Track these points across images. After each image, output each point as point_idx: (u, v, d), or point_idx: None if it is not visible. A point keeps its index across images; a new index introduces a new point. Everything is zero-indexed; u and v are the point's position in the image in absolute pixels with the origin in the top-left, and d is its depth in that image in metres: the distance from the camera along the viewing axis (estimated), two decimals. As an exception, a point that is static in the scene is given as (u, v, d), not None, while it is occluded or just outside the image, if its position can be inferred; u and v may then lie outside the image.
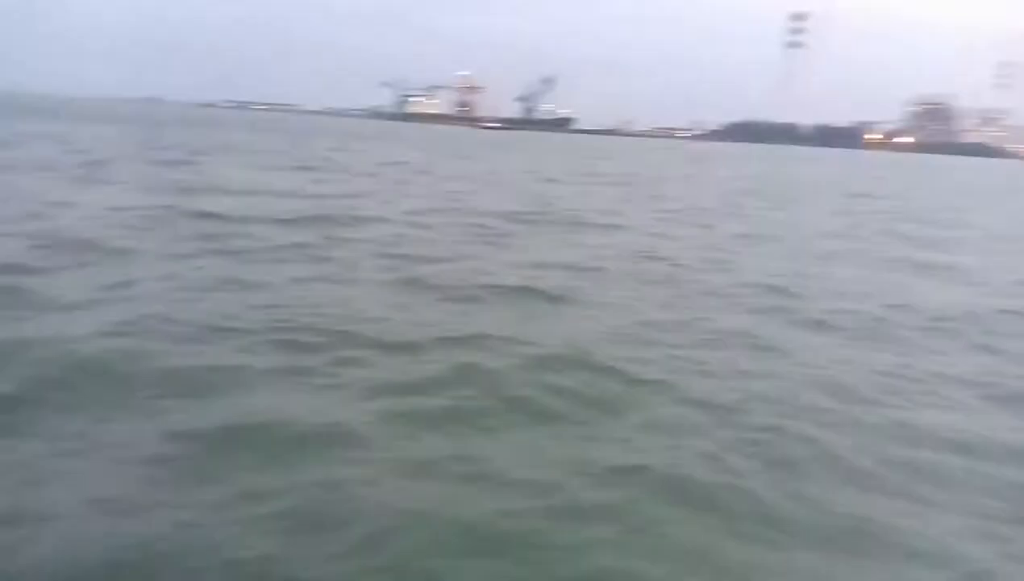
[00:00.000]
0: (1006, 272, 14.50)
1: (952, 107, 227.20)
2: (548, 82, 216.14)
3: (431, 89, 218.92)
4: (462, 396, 6.08)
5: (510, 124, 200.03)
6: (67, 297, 8.06)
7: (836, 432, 5.82)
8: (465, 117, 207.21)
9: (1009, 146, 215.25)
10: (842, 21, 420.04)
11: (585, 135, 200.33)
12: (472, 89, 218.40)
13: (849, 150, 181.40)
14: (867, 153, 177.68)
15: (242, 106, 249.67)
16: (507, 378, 6.54)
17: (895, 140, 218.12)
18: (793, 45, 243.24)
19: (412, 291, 9.70)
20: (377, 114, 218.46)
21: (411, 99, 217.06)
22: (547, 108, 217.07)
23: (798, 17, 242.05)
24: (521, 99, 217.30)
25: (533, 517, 4.37)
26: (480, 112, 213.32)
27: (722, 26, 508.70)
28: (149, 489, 4.42)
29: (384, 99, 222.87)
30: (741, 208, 24.83)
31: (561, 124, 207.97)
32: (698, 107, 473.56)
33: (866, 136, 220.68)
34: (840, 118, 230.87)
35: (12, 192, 16.21)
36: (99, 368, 6.02)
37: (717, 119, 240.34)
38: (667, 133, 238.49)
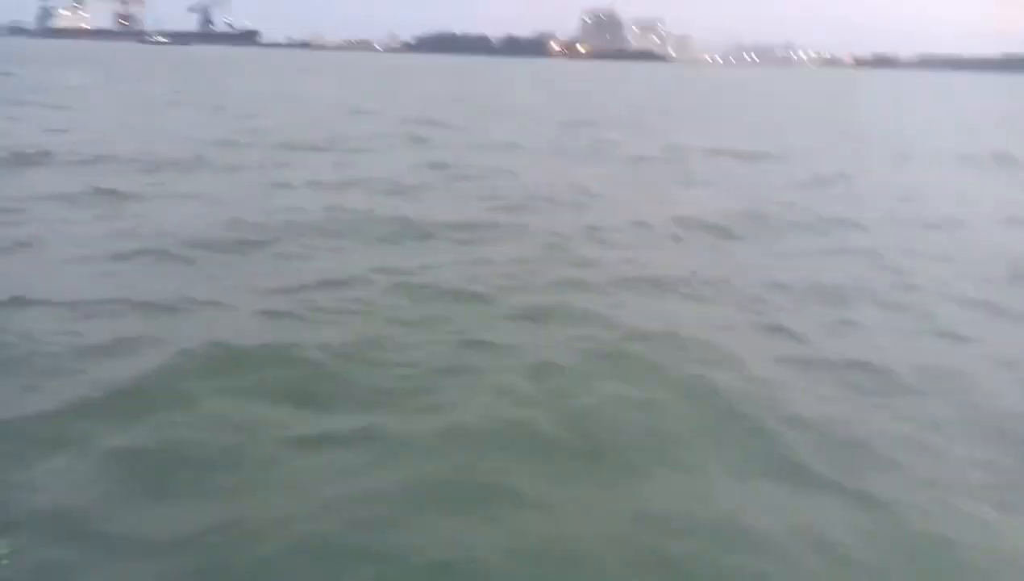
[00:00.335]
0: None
1: (617, 16, 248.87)
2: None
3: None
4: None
5: (183, 39, 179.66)
6: None
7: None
8: (128, 32, 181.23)
9: (668, 51, 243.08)
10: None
11: (274, 49, 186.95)
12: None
13: (535, 59, 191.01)
14: (547, 62, 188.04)
15: None
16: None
17: (576, 49, 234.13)
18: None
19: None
20: (17, 31, 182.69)
21: (58, 11, 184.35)
22: (227, 20, 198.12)
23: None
24: (194, 10, 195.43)
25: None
26: (146, 25, 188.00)
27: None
28: None
29: (26, 13, 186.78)
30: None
31: (245, 38, 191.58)
32: (395, 18, 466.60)
33: (551, 46, 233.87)
34: (526, 30, 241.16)
35: None
36: None
37: (413, 31, 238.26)
38: (363, 46, 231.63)
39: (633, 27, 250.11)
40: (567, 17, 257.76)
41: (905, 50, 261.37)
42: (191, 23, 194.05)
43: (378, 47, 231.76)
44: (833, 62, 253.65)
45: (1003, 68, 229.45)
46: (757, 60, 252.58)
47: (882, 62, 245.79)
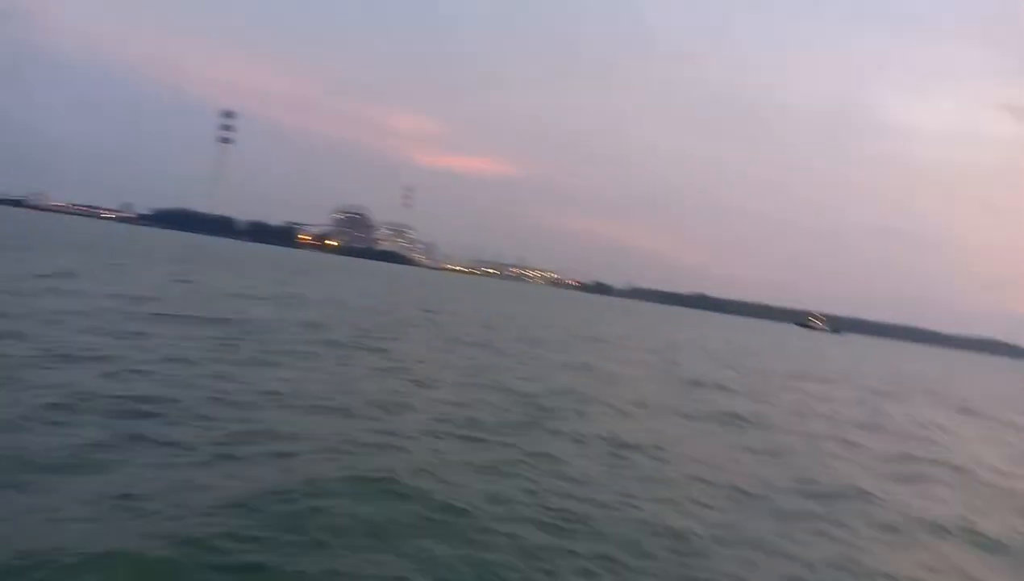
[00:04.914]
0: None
1: (369, 217, 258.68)
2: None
3: None
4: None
5: None
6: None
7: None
8: None
9: (413, 255, 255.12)
10: (270, 125, 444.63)
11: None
12: None
13: (283, 248, 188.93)
14: (297, 251, 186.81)
15: None
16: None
17: (325, 242, 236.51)
18: (224, 140, 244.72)
19: None
20: None
21: None
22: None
23: (227, 114, 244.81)
24: None
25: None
26: None
27: (157, 110, 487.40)
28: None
29: None
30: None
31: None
32: (129, 188, 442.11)
33: (299, 236, 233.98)
34: (274, 217, 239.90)
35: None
36: None
37: (149, 203, 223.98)
38: (89, 211, 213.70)
39: (384, 229, 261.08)
40: (319, 211, 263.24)
41: (620, 281, 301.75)
42: None
43: (107, 214, 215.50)
44: (558, 283, 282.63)
45: (692, 304, 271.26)
46: (495, 273, 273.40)
47: (600, 289, 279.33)
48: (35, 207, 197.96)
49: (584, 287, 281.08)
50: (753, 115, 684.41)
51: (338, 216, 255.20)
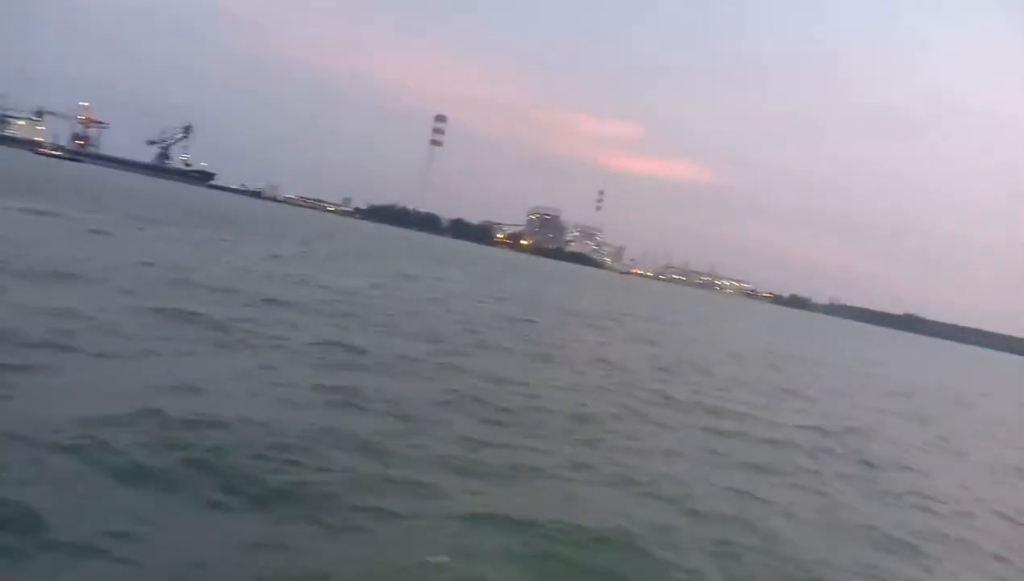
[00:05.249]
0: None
1: (561, 219, 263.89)
2: (188, 130, 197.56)
3: (39, 113, 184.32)
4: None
5: (139, 169, 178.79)
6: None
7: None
8: (82, 152, 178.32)
9: (604, 259, 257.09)
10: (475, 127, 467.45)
11: (227, 193, 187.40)
12: (93, 122, 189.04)
13: (480, 245, 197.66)
14: (492, 249, 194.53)
15: None
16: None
17: (520, 242, 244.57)
18: (434, 143, 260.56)
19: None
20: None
21: (10, 121, 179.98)
22: (185, 158, 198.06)
23: (439, 118, 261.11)
24: (155, 143, 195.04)
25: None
26: (103, 149, 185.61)
27: (379, 111, 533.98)
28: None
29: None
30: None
31: (201, 178, 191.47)
32: (348, 183, 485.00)
33: (495, 235, 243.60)
34: (473, 215, 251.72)
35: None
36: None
37: (366, 199, 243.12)
38: (315, 204, 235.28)
39: (574, 231, 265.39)
40: (514, 211, 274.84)
41: (820, 295, 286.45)
42: (148, 155, 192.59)
43: (330, 208, 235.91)
44: (751, 294, 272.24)
45: (899, 325, 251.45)
46: (683, 279, 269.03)
47: (796, 302, 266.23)
48: (270, 198, 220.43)
49: (779, 300, 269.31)
50: (971, 137, 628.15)
51: (531, 217, 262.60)
